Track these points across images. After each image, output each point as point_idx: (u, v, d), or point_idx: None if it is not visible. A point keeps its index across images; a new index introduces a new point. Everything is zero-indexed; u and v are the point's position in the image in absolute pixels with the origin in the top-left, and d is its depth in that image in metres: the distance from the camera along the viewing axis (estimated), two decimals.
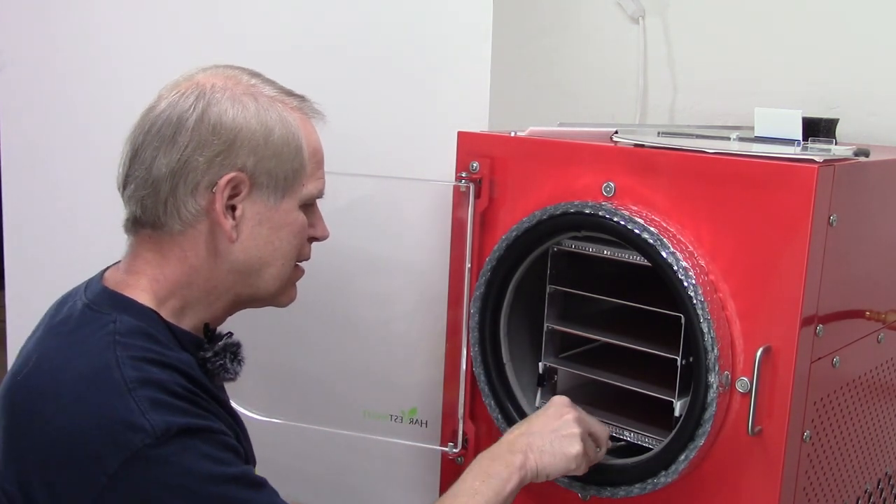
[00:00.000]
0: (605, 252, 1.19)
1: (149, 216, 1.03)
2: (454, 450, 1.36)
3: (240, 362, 1.10)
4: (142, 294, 1.03)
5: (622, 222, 1.11)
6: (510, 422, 1.27)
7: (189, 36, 1.41)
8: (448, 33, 1.42)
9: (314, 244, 1.17)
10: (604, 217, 1.13)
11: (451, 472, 1.38)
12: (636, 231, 1.10)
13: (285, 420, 1.47)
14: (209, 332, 1.09)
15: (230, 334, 1.11)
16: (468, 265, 1.30)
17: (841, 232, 1.08)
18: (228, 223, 1.03)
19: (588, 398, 1.30)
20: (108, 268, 1.10)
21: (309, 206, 1.12)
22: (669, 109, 1.93)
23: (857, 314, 1.21)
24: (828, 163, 1.03)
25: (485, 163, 1.27)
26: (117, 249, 1.40)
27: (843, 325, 1.16)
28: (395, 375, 1.50)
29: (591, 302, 1.28)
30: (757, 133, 1.26)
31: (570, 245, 1.22)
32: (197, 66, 1.09)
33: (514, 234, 1.22)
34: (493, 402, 1.28)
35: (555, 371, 1.31)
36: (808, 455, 1.13)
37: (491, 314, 1.27)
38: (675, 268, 1.07)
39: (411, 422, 1.50)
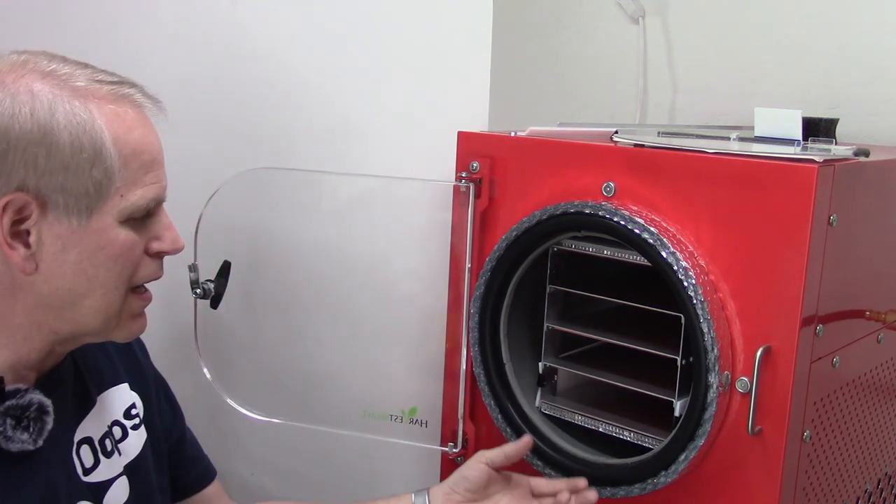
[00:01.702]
0: (605, 252, 1.19)
1: None
2: (454, 450, 1.36)
3: (28, 428, 0.87)
4: None
5: (622, 222, 1.11)
6: (510, 422, 1.27)
7: (189, 36, 1.41)
8: (448, 33, 1.42)
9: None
10: (604, 217, 1.13)
11: (451, 472, 1.38)
12: (636, 231, 1.10)
13: (285, 420, 1.47)
14: (1, 387, 0.87)
15: (24, 391, 0.88)
16: (468, 265, 1.30)
17: (841, 232, 1.07)
18: (18, 253, 0.84)
19: (588, 398, 1.30)
20: None
21: (146, 217, 0.91)
22: (669, 109, 1.93)
23: (857, 314, 1.21)
24: (828, 163, 1.03)
25: (485, 163, 1.27)
26: None
27: (843, 325, 1.16)
28: (395, 375, 1.50)
29: (591, 302, 1.28)
30: (757, 133, 1.26)
31: (570, 245, 1.22)
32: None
33: (514, 234, 1.22)
34: (493, 402, 1.28)
35: (555, 371, 1.31)
36: (808, 455, 1.13)
37: (491, 314, 1.27)
38: (675, 268, 1.07)
39: (411, 422, 1.50)
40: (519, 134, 1.26)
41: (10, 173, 0.82)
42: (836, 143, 1.26)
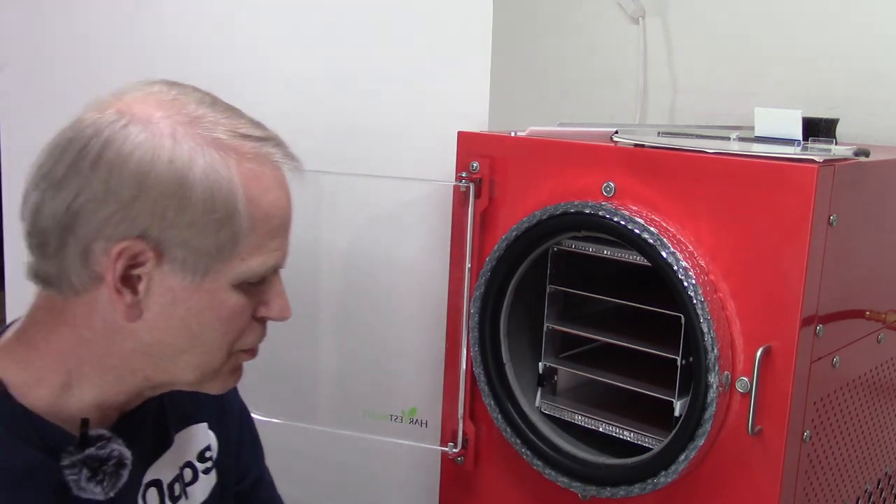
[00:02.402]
0: (605, 252, 1.19)
1: (41, 271, 0.82)
2: (454, 450, 1.36)
3: (103, 482, 0.82)
4: (11, 366, 0.83)
5: (622, 222, 1.11)
6: (510, 422, 1.27)
7: (188, 36, 1.41)
8: (448, 33, 1.42)
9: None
10: (604, 217, 1.13)
11: (451, 472, 1.38)
12: (636, 231, 1.10)
13: (285, 420, 1.47)
14: (85, 432, 0.84)
15: (107, 441, 0.84)
16: (468, 265, 1.30)
17: (841, 232, 1.08)
18: (125, 299, 0.80)
19: (588, 398, 1.30)
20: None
21: (260, 283, 0.86)
22: (669, 109, 1.93)
23: (857, 314, 1.20)
24: (828, 163, 1.03)
25: (485, 163, 1.27)
26: None
27: (843, 325, 1.16)
28: (395, 375, 1.50)
29: (591, 302, 1.28)
30: (757, 133, 1.26)
31: (570, 245, 1.22)
32: (145, 80, 0.84)
33: (514, 234, 1.22)
34: (493, 402, 1.28)
35: (555, 371, 1.31)
36: (808, 455, 1.13)
37: (491, 314, 1.27)
38: (675, 268, 1.07)
39: (411, 422, 1.50)
40: (519, 134, 1.26)
41: (136, 219, 0.77)
42: (836, 143, 1.26)
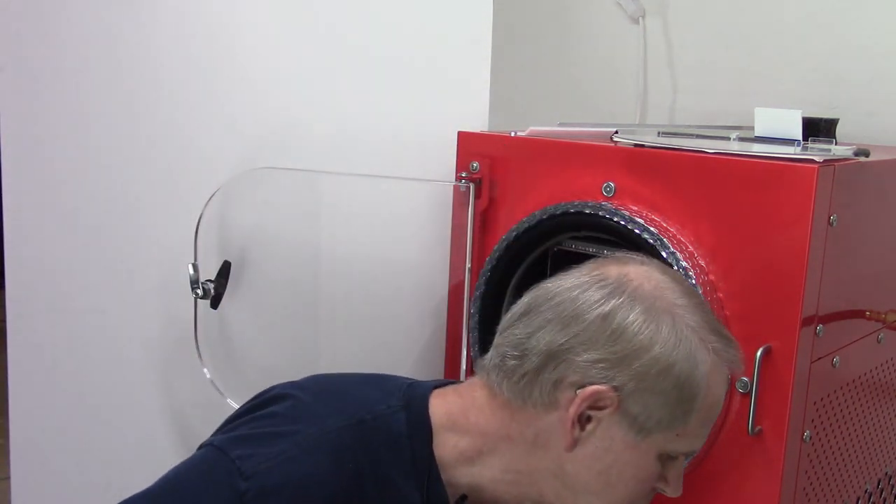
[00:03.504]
0: (606, 252, 1.19)
1: (499, 374, 0.91)
2: None
3: None
4: (441, 415, 0.94)
5: (622, 222, 1.11)
6: None
7: (188, 36, 1.41)
8: (448, 33, 1.42)
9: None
10: (604, 217, 1.13)
11: None
12: (636, 231, 1.10)
13: None
14: (460, 500, 0.95)
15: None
16: (468, 265, 1.30)
17: (841, 232, 1.07)
18: (573, 432, 0.89)
19: None
20: (431, 387, 0.98)
21: (672, 459, 0.93)
22: (669, 109, 1.93)
23: (857, 314, 1.20)
24: (828, 163, 1.03)
25: (485, 163, 1.27)
26: (116, 250, 1.40)
27: (843, 325, 1.16)
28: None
29: None
30: (757, 133, 1.26)
31: (571, 245, 1.22)
32: (637, 263, 0.93)
33: (514, 234, 1.22)
34: None
35: None
36: (808, 455, 1.13)
37: (491, 314, 1.27)
38: (675, 268, 1.07)
39: None
40: (519, 134, 1.26)
41: (620, 373, 0.86)
42: (836, 143, 1.26)
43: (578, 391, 0.87)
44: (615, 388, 0.86)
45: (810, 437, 1.12)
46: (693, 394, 0.88)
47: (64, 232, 1.43)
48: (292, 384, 0.99)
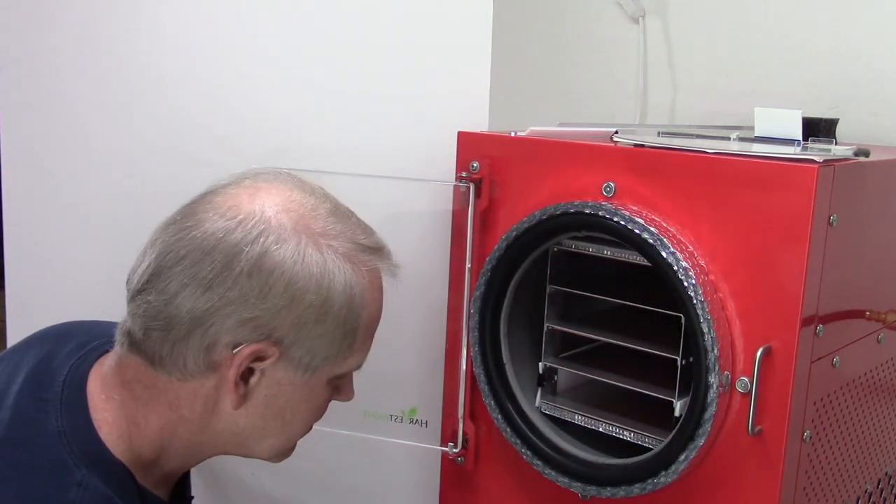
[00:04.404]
0: (605, 252, 1.19)
1: (148, 349, 0.85)
2: (454, 450, 1.36)
3: None
4: (118, 441, 0.86)
5: (622, 222, 1.11)
6: (510, 422, 1.27)
7: (188, 35, 1.41)
8: (448, 33, 1.42)
9: None
10: (604, 217, 1.13)
11: (450, 472, 1.38)
12: (636, 231, 1.10)
13: None
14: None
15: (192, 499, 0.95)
16: (468, 265, 1.30)
17: (841, 232, 1.08)
18: (238, 391, 0.85)
19: (588, 398, 1.30)
20: (94, 356, 0.92)
21: (341, 377, 0.94)
22: (669, 109, 1.93)
23: (857, 314, 1.20)
24: (828, 163, 1.03)
25: (485, 163, 1.27)
26: (116, 250, 1.40)
27: (843, 325, 1.16)
28: (395, 375, 1.50)
29: (591, 302, 1.28)
30: (757, 133, 1.26)
31: (570, 245, 1.22)
32: (257, 170, 0.89)
33: (514, 234, 1.22)
34: (493, 402, 1.28)
35: (555, 371, 1.31)
36: (808, 455, 1.13)
37: (491, 314, 1.27)
38: (675, 268, 1.07)
39: (411, 422, 1.50)
40: (519, 134, 1.26)
41: (277, 326, 0.82)
42: (836, 143, 1.26)
43: (235, 351, 0.82)
44: (276, 342, 0.83)
45: (810, 437, 1.12)
46: (355, 323, 0.86)
47: (64, 232, 1.43)
48: None
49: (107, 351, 0.94)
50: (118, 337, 0.89)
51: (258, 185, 0.87)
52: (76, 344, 0.95)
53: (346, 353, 0.88)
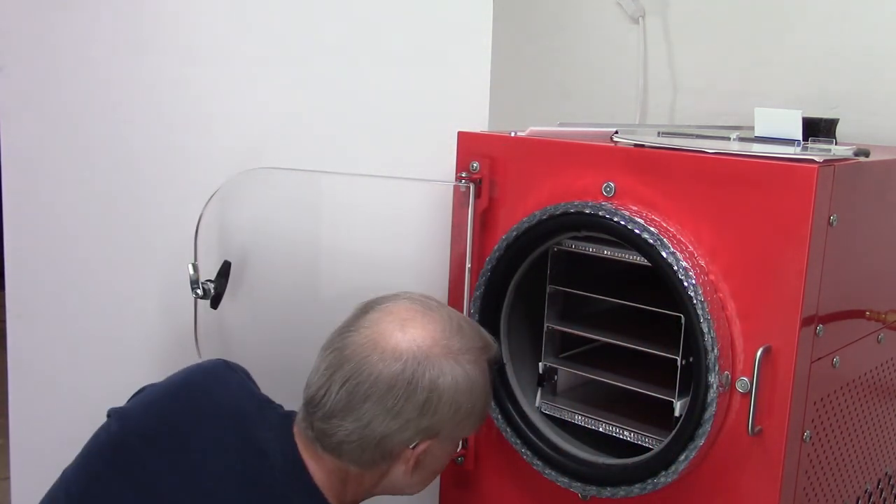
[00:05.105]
0: (605, 252, 1.19)
1: (343, 456, 1.09)
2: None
3: None
4: (329, 493, 1.10)
5: (622, 222, 1.11)
6: (510, 422, 1.27)
7: (188, 36, 1.41)
8: (448, 33, 1.42)
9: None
10: (604, 217, 1.13)
11: (451, 472, 1.38)
12: (636, 231, 1.10)
13: None
14: None
15: None
16: (468, 265, 1.30)
17: (841, 232, 1.08)
18: (412, 469, 1.11)
19: (588, 398, 1.30)
20: (286, 416, 1.18)
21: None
22: (669, 109, 1.93)
23: (857, 314, 1.21)
24: (828, 163, 1.03)
25: (485, 163, 1.27)
26: (116, 249, 1.40)
27: (843, 325, 1.16)
28: None
29: (591, 302, 1.28)
30: (757, 133, 1.26)
31: (570, 245, 1.22)
32: (385, 298, 1.14)
33: (514, 234, 1.22)
34: (493, 402, 1.28)
35: (555, 371, 1.31)
36: (808, 455, 1.13)
37: (491, 314, 1.27)
38: (675, 268, 1.07)
39: None
40: (519, 134, 1.26)
41: (443, 427, 1.08)
42: (836, 143, 1.26)
43: (412, 446, 1.08)
44: (437, 435, 1.09)
45: (810, 437, 1.12)
46: (481, 403, 1.12)
47: (64, 232, 1.43)
48: None
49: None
50: (308, 435, 1.11)
51: (401, 316, 1.10)
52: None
53: (476, 419, 1.14)
